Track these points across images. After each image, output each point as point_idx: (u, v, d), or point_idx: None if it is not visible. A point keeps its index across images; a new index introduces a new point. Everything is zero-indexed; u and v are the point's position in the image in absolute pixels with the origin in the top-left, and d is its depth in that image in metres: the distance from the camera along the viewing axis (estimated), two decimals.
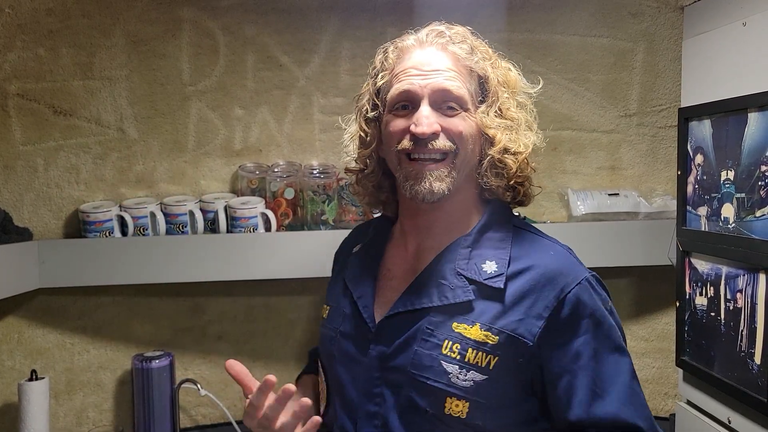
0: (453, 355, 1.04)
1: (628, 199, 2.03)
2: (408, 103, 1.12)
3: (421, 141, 1.09)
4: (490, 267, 1.09)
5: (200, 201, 1.94)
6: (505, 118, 1.14)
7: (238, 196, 1.98)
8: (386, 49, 1.19)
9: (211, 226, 1.91)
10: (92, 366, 1.98)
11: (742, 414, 1.40)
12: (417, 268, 1.15)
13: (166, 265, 1.85)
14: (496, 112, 1.14)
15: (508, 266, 1.09)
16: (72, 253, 1.85)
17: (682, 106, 1.63)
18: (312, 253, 1.81)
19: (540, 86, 1.23)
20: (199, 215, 1.91)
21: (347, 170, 1.29)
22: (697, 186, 1.54)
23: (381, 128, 1.17)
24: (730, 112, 1.41)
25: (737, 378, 1.39)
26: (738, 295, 1.39)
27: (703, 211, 1.52)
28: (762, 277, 1.31)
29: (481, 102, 1.15)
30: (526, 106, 1.20)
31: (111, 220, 1.89)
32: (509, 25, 2.01)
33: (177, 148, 1.98)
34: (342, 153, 1.29)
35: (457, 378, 1.04)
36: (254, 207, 1.89)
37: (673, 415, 1.84)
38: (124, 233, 1.90)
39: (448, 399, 1.04)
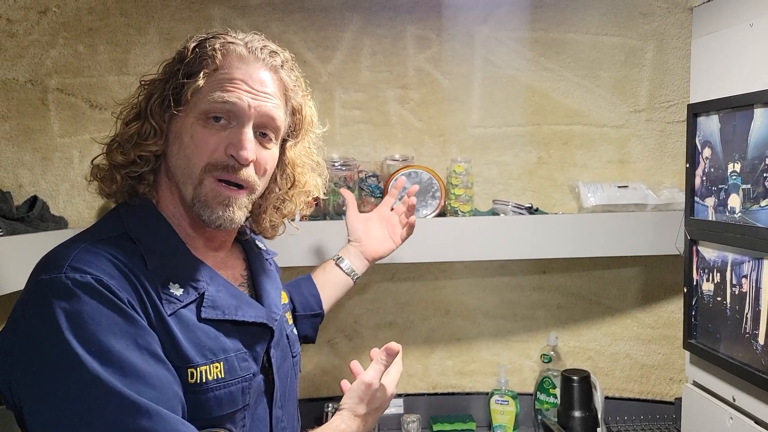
0: (291, 322, 1.24)
1: (637, 192, 2.11)
2: (224, 117, 1.00)
3: (236, 166, 1.00)
4: (261, 245, 1.28)
5: None
6: (310, 159, 1.16)
7: None
8: (206, 42, 1.03)
9: None
10: None
11: (746, 392, 1.49)
12: (236, 274, 1.14)
13: None
14: (301, 150, 1.15)
15: None
16: None
17: (690, 102, 1.71)
18: (333, 241, 1.89)
19: (326, 128, 1.20)
20: None
21: (109, 157, 1.07)
22: (704, 178, 1.63)
23: (174, 128, 1.03)
24: (737, 108, 1.49)
25: (742, 358, 1.47)
26: (743, 280, 1.47)
27: (710, 201, 1.60)
28: (766, 263, 1.39)
29: (288, 136, 1.12)
30: (320, 148, 1.20)
31: None
32: (524, 23, 2.09)
33: None
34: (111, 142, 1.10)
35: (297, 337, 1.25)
36: None
37: (679, 399, 1.91)
38: None
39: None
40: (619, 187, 2.11)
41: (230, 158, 0.99)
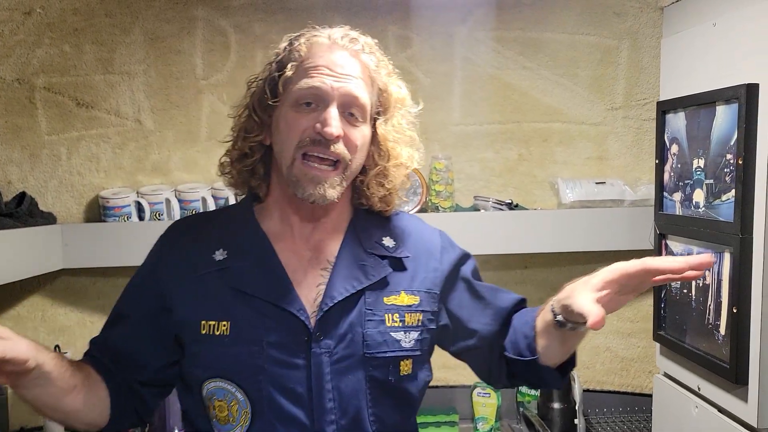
0: (396, 324, 1.18)
1: (614, 188, 2.15)
2: (313, 102, 1.10)
3: (324, 142, 1.09)
4: (389, 242, 1.22)
5: (212, 188, 2.07)
6: (400, 133, 1.20)
7: None
8: (295, 39, 1.15)
9: None
10: None
11: (710, 381, 1.53)
12: (321, 258, 1.18)
13: None
14: (392, 125, 1.19)
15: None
16: (93, 236, 1.99)
17: (660, 99, 1.75)
18: None
19: (420, 107, 1.25)
20: (211, 201, 2.04)
21: (229, 154, 1.21)
22: (672, 173, 1.67)
23: (274, 118, 1.15)
24: (701, 105, 1.53)
25: (705, 348, 1.51)
26: (706, 272, 1.51)
27: (677, 196, 1.64)
28: (727, 255, 1.43)
29: (378, 114, 1.17)
30: (414, 124, 1.24)
31: (129, 205, 2.02)
32: (502, 23, 2.13)
33: (190, 138, 2.12)
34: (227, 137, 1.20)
35: (405, 341, 1.18)
36: None
37: None
38: (141, 218, 2.03)
39: (402, 362, 1.18)
40: (596, 183, 2.16)
41: (318, 135, 1.08)
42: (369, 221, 1.23)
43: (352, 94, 1.10)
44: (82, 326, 2.12)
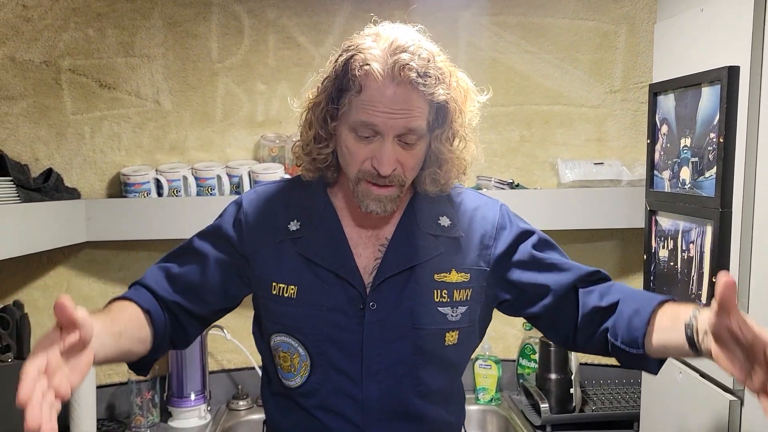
0: (444, 300, 1.27)
1: (612, 168, 2.23)
2: (369, 135, 1.16)
3: (379, 174, 1.17)
4: (445, 221, 1.29)
5: (227, 167, 2.18)
6: (458, 137, 1.26)
7: (260, 162, 2.21)
8: (350, 59, 1.15)
9: (236, 189, 2.15)
10: None
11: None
12: (380, 236, 1.27)
13: (197, 222, 1.99)
14: (447, 137, 1.24)
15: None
16: (114, 211, 2.10)
17: (652, 82, 1.83)
18: None
19: (489, 94, 1.29)
20: (225, 179, 2.15)
21: (299, 159, 1.30)
22: (662, 152, 1.75)
23: (337, 132, 1.21)
24: (688, 87, 1.61)
25: None
26: (691, 245, 1.60)
27: (666, 174, 1.72)
28: (709, 228, 1.51)
29: (435, 124, 1.20)
30: (474, 118, 1.27)
31: (148, 182, 2.13)
32: (504, 8, 2.21)
33: (206, 119, 2.22)
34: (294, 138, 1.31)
35: (451, 315, 1.27)
36: (275, 172, 2.12)
37: None
38: (159, 194, 2.14)
39: (447, 333, 1.27)
40: (595, 164, 2.23)
41: (374, 169, 1.17)
42: (428, 201, 1.29)
43: (407, 127, 1.15)
44: (104, 296, 2.22)
